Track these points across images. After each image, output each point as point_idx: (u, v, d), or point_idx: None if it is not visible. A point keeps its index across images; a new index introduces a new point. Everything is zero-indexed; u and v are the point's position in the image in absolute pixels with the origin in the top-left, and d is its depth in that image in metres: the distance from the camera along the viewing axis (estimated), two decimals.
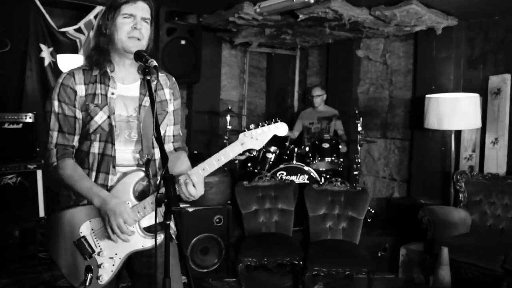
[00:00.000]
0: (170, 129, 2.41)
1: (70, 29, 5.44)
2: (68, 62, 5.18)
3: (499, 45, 5.42)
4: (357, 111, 5.75)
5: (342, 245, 4.75)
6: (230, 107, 6.54)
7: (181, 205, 4.75)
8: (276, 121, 2.20)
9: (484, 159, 5.40)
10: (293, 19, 5.60)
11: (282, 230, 5.06)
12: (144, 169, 2.23)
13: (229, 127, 6.40)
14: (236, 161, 6.23)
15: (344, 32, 6.25)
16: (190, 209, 4.74)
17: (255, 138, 2.17)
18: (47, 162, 2.20)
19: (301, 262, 4.55)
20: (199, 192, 2.14)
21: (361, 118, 5.75)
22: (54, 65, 5.35)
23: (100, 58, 2.21)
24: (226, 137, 6.37)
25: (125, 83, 2.27)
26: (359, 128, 5.76)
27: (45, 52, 5.35)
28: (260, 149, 5.87)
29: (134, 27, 2.18)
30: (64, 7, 5.58)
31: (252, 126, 2.20)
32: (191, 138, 6.91)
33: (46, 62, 5.35)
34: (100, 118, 2.18)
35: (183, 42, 5.75)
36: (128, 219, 2.13)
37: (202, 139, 7.00)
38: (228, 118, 6.38)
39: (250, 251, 4.60)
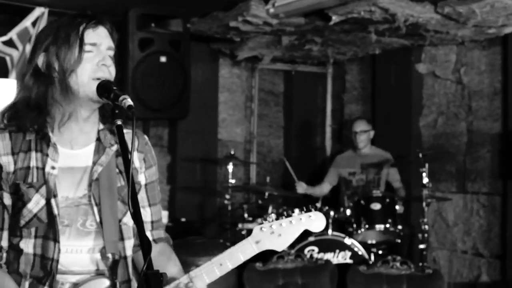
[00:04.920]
0: (145, 213, 2.34)
1: None
2: None
3: None
4: (420, 154, 5.73)
5: None
6: (232, 152, 6.53)
7: None
8: (308, 209, 2.26)
9: None
10: (322, 22, 5.60)
11: None
12: (108, 274, 2.17)
13: (232, 181, 6.35)
14: (244, 231, 6.15)
15: (398, 38, 6.25)
16: None
17: (277, 233, 2.22)
18: None
19: None
20: None
21: (427, 165, 5.71)
22: None
23: (33, 116, 2.15)
24: (227, 196, 6.34)
25: (75, 148, 2.22)
26: (425, 180, 5.70)
27: None
28: (279, 214, 5.85)
29: (102, 64, 2.14)
30: None
31: (271, 216, 2.25)
32: (175, 199, 6.86)
33: None
34: (35, 204, 2.12)
35: (163, 59, 5.71)
36: None
37: (192, 199, 6.96)
38: (230, 167, 6.36)
39: None
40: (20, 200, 2.12)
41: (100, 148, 2.23)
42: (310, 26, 5.80)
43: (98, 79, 2.12)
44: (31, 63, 2.18)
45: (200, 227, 6.54)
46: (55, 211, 2.13)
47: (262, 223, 2.23)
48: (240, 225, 6.18)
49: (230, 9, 5.59)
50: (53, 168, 2.15)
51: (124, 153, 1.99)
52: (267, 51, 6.85)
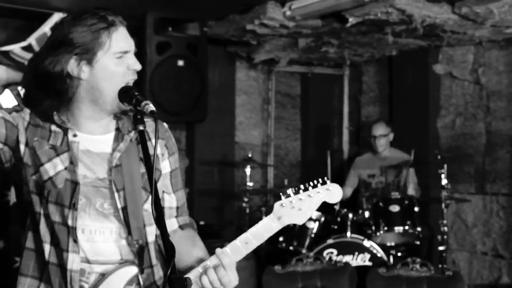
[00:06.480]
0: (169, 199, 2.39)
1: (15, 48, 5.45)
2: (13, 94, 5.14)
3: None
4: (439, 156, 5.74)
5: None
6: (250, 155, 6.54)
7: None
8: (324, 182, 2.28)
9: None
10: (339, 24, 5.61)
11: None
12: (137, 262, 2.20)
13: (250, 183, 6.37)
14: None
15: (414, 39, 6.24)
16: None
17: (297, 208, 2.24)
18: None
19: None
20: (233, 283, 2.18)
21: (445, 166, 5.70)
22: None
23: (53, 107, 2.18)
24: (245, 199, 6.36)
25: (93, 134, 2.25)
26: (444, 181, 5.70)
27: None
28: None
29: (132, 68, 2.17)
30: (6, 15, 5.63)
31: (290, 191, 2.26)
32: (193, 202, 6.86)
33: None
34: (52, 166, 2.15)
35: (180, 62, 5.74)
36: None
37: (210, 202, 6.98)
38: (247, 170, 6.38)
39: None
40: (35, 157, 2.15)
41: (119, 136, 2.25)
42: (327, 28, 5.79)
43: (127, 83, 2.15)
44: (58, 63, 2.12)
45: (219, 230, 6.53)
46: (79, 179, 2.15)
47: (281, 199, 2.25)
48: None
49: (247, 12, 5.59)
50: (75, 135, 2.18)
51: (147, 159, 2.01)
52: (284, 54, 6.85)
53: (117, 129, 2.27)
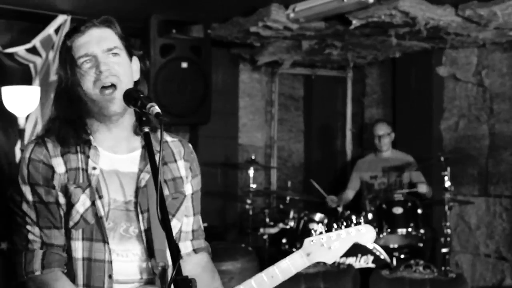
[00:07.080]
0: (188, 221, 2.38)
1: (20, 50, 5.46)
2: (18, 97, 5.14)
3: None
4: (442, 158, 5.71)
5: None
6: (253, 157, 6.54)
7: None
8: (357, 223, 2.32)
9: None
10: (343, 26, 5.60)
11: None
12: (157, 283, 2.17)
13: (253, 185, 6.37)
14: (265, 236, 6.14)
15: (418, 41, 6.24)
16: None
17: (327, 246, 2.28)
18: (24, 269, 2.15)
19: None
20: None
21: (448, 168, 5.69)
22: None
23: (73, 133, 2.18)
24: (248, 201, 6.34)
25: (118, 153, 2.24)
26: (447, 183, 5.68)
27: None
28: (300, 218, 5.86)
29: (98, 71, 2.13)
30: (10, 17, 5.62)
31: (320, 228, 2.23)
32: None
33: None
34: (82, 205, 2.14)
35: (184, 64, 5.75)
36: None
37: (213, 204, 6.94)
38: (251, 172, 6.37)
39: None
40: (69, 201, 2.14)
41: (145, 155, 2.22)
42: (330, 30, 5.80)
43: (103, 87, 2.12)
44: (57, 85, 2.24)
45: (222, 232, 6.53)
46: (101, 212, 2.14)
47: (312, 235, 2.29)
48: (261, 230, 6.19)
49: (251, 14, 5.60)
50: (94, 168, 2.16)
51: (152, 160, 1.98)
52: (287, 56, 6.85)
53: (144, 147, 2.25)
